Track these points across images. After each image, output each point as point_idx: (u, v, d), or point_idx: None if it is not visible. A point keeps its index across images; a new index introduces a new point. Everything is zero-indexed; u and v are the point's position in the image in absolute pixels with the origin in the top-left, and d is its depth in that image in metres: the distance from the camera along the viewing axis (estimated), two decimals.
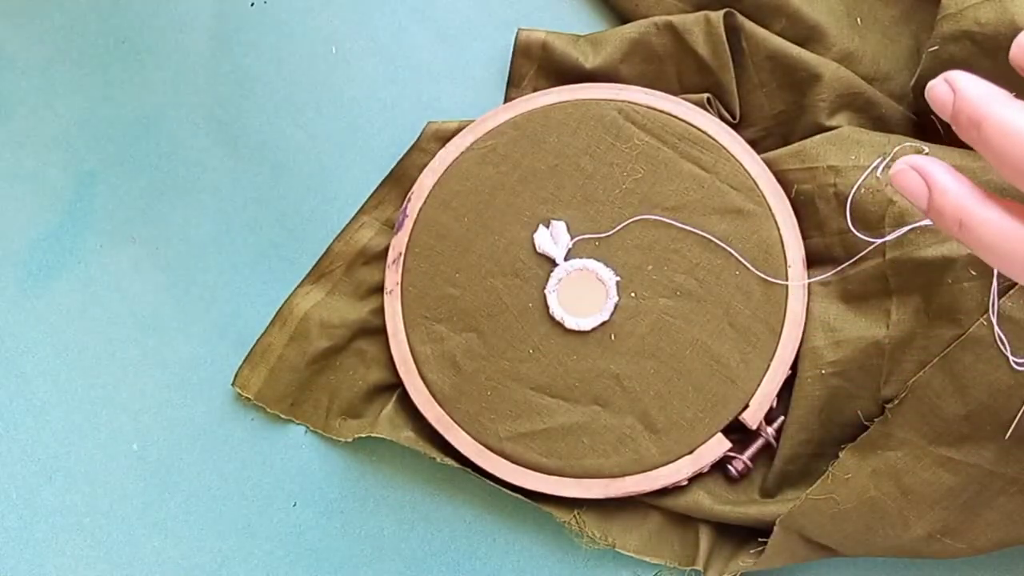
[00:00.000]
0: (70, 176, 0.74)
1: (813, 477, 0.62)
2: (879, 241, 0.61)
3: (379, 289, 0.70)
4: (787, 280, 0.64)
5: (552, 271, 0.66)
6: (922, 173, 0.39)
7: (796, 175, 0.65)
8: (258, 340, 0.70)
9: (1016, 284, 0.57)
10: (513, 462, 0.65)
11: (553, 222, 0.67)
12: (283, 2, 0.77)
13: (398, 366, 0.67)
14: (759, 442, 0.64)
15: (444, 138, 0.71)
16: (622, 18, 0.74)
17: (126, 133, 0.75)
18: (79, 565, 0.68)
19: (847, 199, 0.62)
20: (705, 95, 0.69)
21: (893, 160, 0.61)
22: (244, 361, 0.70)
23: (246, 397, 0.69)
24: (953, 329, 0.59)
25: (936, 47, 0.60)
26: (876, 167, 0.62)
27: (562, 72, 0.72)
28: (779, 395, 0.63)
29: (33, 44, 0.77)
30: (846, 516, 0.59)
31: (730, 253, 0.65)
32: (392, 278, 0.69)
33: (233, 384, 0.69)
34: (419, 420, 0.67)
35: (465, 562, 0.66)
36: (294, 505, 0.68)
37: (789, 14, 0.69)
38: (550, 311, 0.66)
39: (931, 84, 0.39)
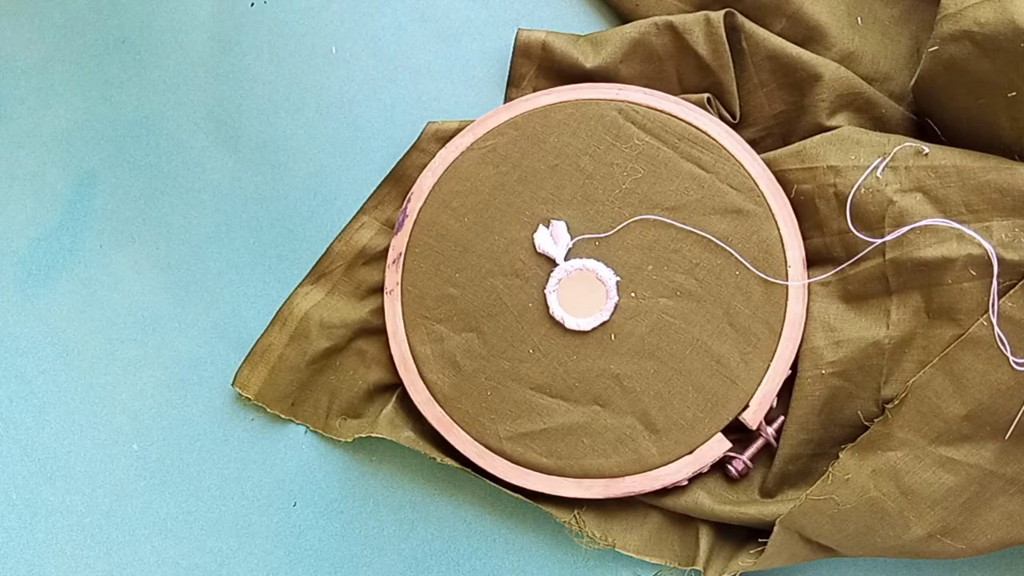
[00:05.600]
0: (70, 176, 0.74)
1: (813, 477, 0.62)
2: (879, 241, 0.61)
3: (379, 289, 0.70)
4: (787, 280, 0.64)
5: (552, 271, 0.66)
6: None
7: (796, 175, 0.65)
8: (258, 340, 0.70)
9: (1016, 284, 0.57)
10: (513, 462, 0.65)
11: (553, 222, 0.67)
12: (283, 2, 0.77)
13: (398, 366, 0.67)
14: (759, 442, 0.64)
15: (444, 138, 0.71)
16: (622, 18, 0.74)
17: (126, 133, 0.75)
18: (79, 565, 0.68)
19: (847, 199, 0.62)
20: (705, 95, 0.69)
21: (893, 160, 0.61)
22: (244, 361, 0.70)
23: (246, 397, 0.69)
24: (953, 329, 0.59)
25: (936, 47, 0.60)
26: (876, 167, 0.62)
27: (562, 72, 0.72)
28: (779, 395, 0.63)
29: (33, 44, 0.77)
30: (846, 516, 0.59)
31: (730, 253, 0.65)
32: (392, 278, 0.69)
33: (233, 384, 0.69)
34: (419, 420, 0.67)
35: (465, 562, 0.66)
36: (294, 505, 0.68)
37: (789, 14, 0.69)
38: (550, 311, 0.66)
39: None
